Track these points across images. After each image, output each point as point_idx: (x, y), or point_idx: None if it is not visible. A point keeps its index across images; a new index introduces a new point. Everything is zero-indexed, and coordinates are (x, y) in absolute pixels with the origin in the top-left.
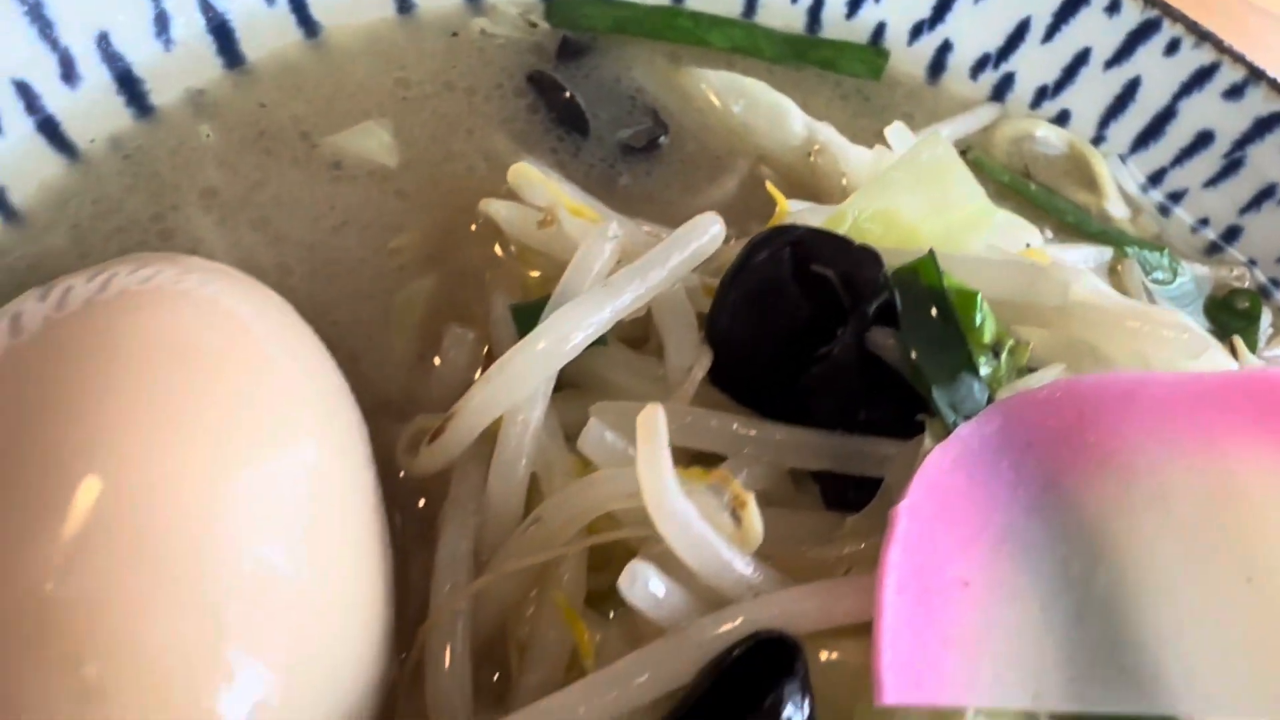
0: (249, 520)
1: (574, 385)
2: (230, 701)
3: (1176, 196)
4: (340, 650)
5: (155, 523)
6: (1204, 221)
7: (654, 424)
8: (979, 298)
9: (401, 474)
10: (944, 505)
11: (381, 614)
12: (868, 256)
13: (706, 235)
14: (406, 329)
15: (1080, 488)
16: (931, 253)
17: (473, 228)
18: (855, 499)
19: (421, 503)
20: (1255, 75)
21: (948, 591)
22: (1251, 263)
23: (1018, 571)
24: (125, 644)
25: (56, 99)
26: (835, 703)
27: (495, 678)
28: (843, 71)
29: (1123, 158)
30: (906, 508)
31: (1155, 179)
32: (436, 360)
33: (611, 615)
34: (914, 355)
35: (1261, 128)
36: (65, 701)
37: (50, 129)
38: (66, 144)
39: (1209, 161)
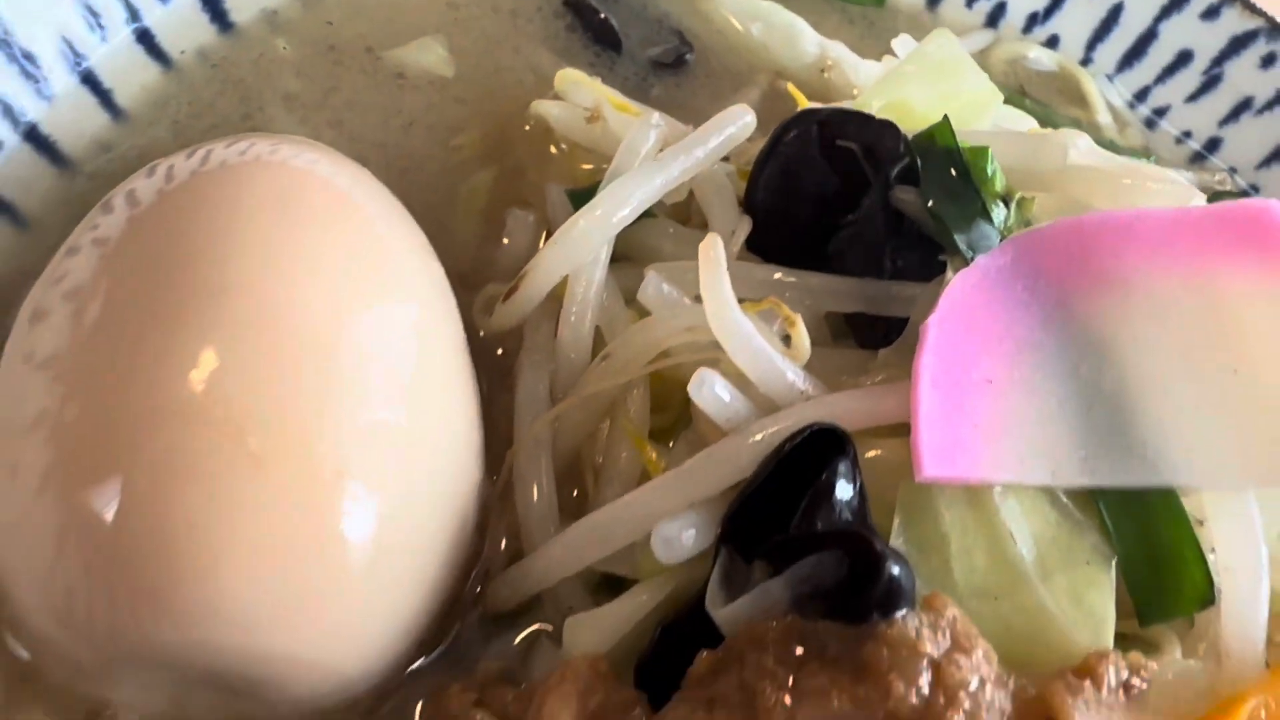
0: (368, 348)
1: (628, 258)
2: (361, 483)
3: (1160, 112)
4: (443, 467)
5: (291, 339)
6: (1187, 134)
7: (714, 250)
8: (989, 151)
9: (481, 334)
10: (967, 319)
11: (474, 442)
12: (888, 129)
13: (740, 122)
14: (472, 214)
15: (1086, 305)
16: (946, 118)
17: (526, 128)
18: (886, 338)
19: (499, 351)
20: None
21: (974, 388)
22: (1232, 170)
23: (1034, 372)
24: (278, 425)
25: (152, 13)
26: (880, 493)
27: (575, 494)
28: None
29: (1109, 78)
30: (935, 320)
31: (1140, 96)
32: (505, 241)
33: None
34: (931, 205)
35: (1237, 45)
36: (235, 466)
37: (148, 40)
38: (161, 53)
39: (1189, 79)
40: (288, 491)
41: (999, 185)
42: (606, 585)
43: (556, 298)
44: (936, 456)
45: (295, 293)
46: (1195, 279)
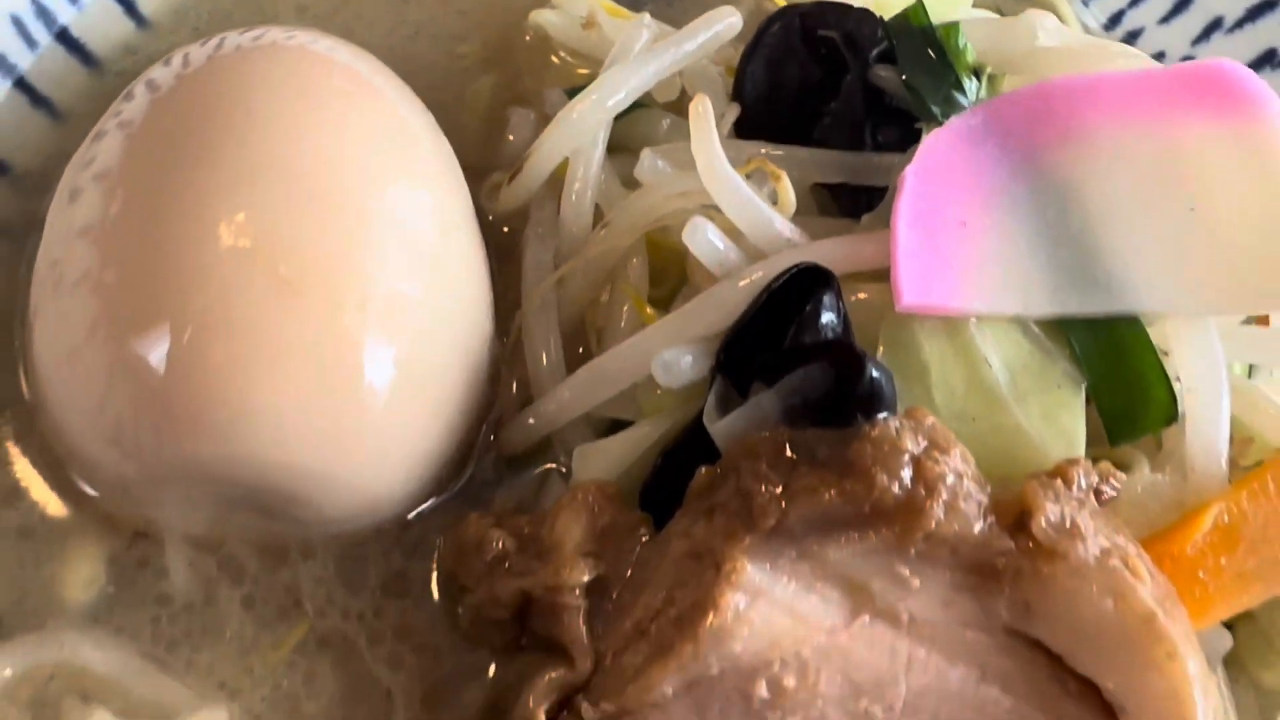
0: (388, 203)
1: (625, 149)
2: (384, 316)
3: (1135, 34)
4: (456, 317)
5: (316, 188)
6: (1160, 55)
7: (703, 110)
8: (960, 26)
9: (490, 218)
10: (941, 172)
11: (484, 302)
12: (865, 16)
13: (726, 21)
14: (477, 113)
15: (1052, 157)
16: (919, 1)
17: (526, 38)
18: (869, 206)
19: (505, 229)
20: None
21: (948, 230)
22: None
23: (1004, 216)
24: (307, 257)
25: None
26: (865, 332)
27: (580, 352)
28: None
29: (1085, 2)
30: (912, 171)
31: (1114, 20)
32: (509, 137)
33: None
34: (907, 79)
35: None
36: (266, 292)
37: None
38: None
39: (1161, 1)
40: (316, 316)
41: (970, 58)
42: (612, 430)
43: (558, 180)
44: (914, 287)
45: (319, 155)
46: (1155, 131)
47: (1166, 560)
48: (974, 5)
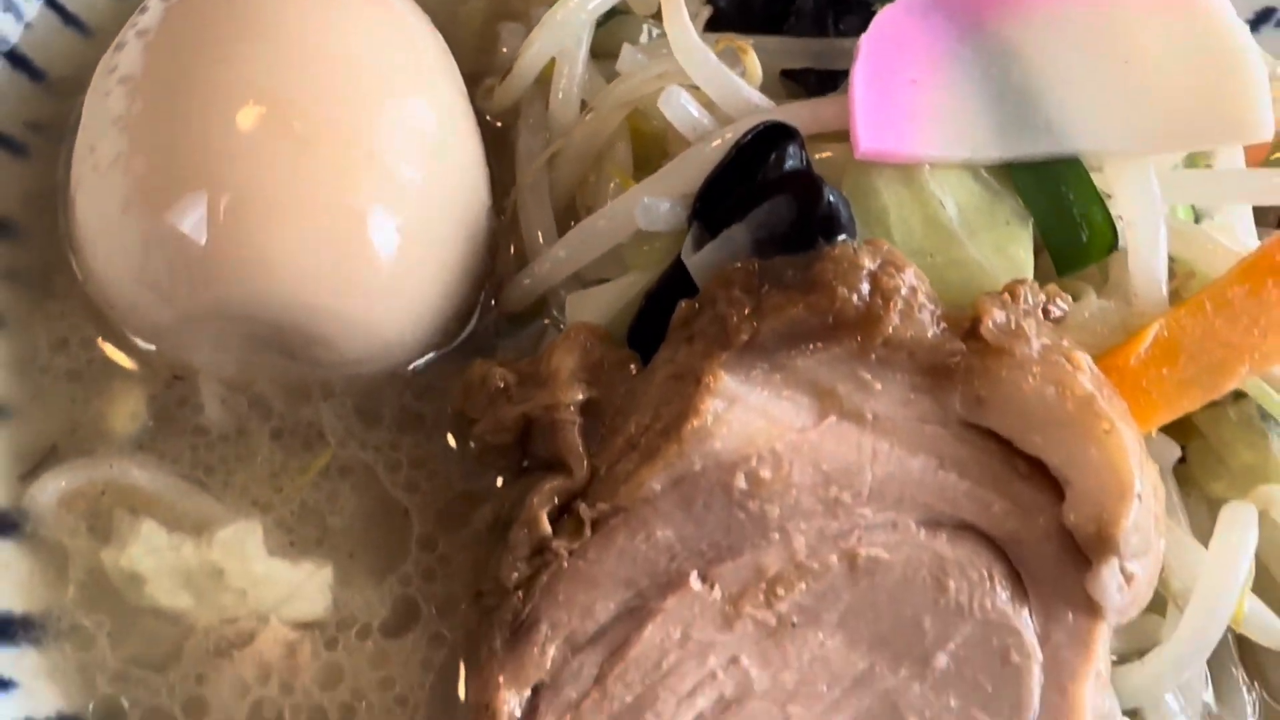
0: (393, 81)
1: (609, 55)
2: (390, 169)
3: None
4: (456, 184)
5: (327, 63)
6: None
7: None
8: None
9: (488, 117)
10: (895, 39)
11: (480, 179)
12: None
13: None
14: (472, 28)
15: (996, 23)
16: None
17: None
18: (834, 85)
19: (499, 124)
20: None
21: (902, 87)
22: None
23: (952, 74)
24: (321, 118)
25: None
26: (830, 182)
27: (572, 224)
28: None
29: None
30: (867, 37)
31: None
32: (502, 49)
33: None
34: None
35: None
36: (280, 146)
37: None
38: None
39: None
40: (328, 171)
41: None
42: None
43: (546, 80)
44: (871, 135)
45: (331, 44)
46: (1092, 4)
47: (1113, 373)
48: None
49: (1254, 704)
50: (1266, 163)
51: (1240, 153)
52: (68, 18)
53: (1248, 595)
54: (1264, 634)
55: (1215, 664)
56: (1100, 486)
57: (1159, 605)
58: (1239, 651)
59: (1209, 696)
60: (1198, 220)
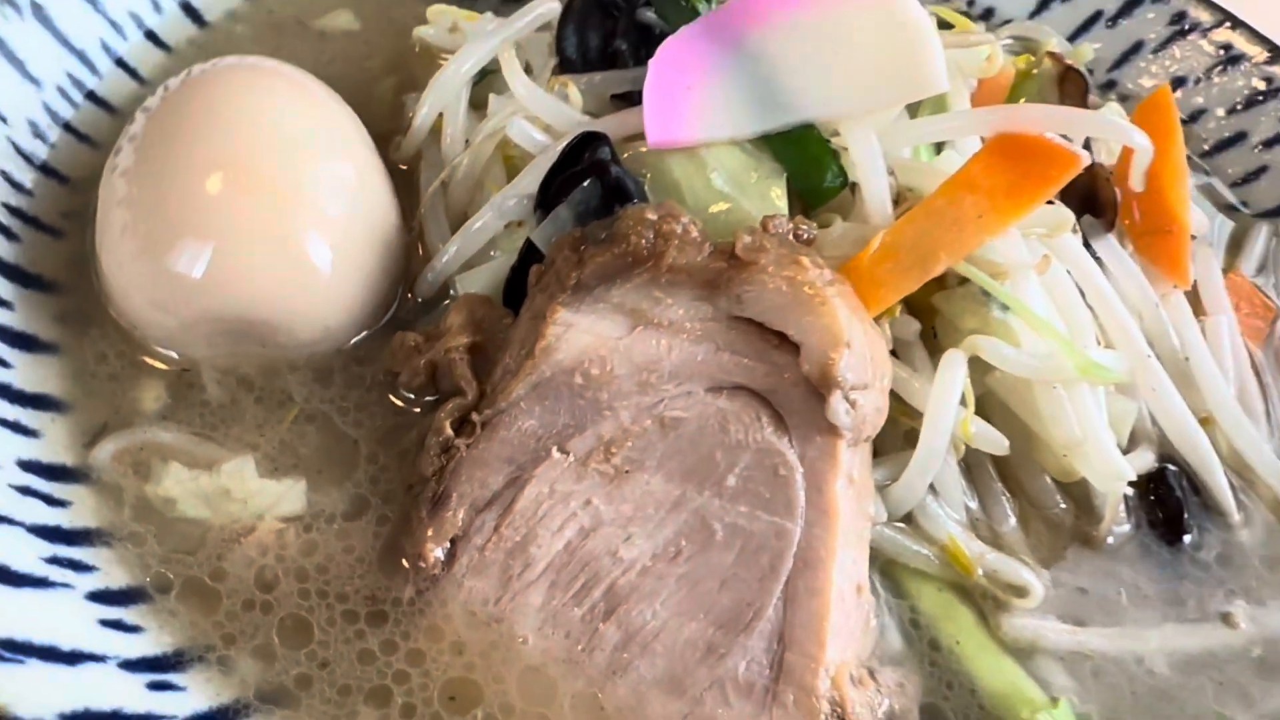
0: (327, 171)
1: (483, 103)
2: (320, 206)
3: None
4: (372, 209)
5: (268, 140)
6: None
7: (509, 56)
8: None
9: (398, 165)
10: (674, 58)
11: (391, 207)
12: None
13: (547, 7)
14: (385, 102)
15: (750, 36)
16: None
17: (416, 49)
18: None
19: (404, 169)
20: None
21: (681, 94)
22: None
23: (718, 78)
24: (267, 175)
25: (153, 19)
26: (639, 169)
27: None
28: None
29: None
30: (654, 61)
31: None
32: (409, 114)
33: None
34: (659, 13)
35: None
36: (242, 201)
37: (154, 38)
38: (163, 43)
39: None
40: (274, 210)
41: None
42: None
43: (438, 131)
44: (658, 129)
45: (267, 122)
46: (814, 5)
47: (853, 273)
48: None
49: (1014, 509)
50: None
51: (965, 97)
52: (80, 137)
53: (973, 418)
54: (989, 444)
55: (979, 481)
56: (819, 342)
57: (914, 441)
58: (998, 471)
59: (973, 504)
60: (939, 151)
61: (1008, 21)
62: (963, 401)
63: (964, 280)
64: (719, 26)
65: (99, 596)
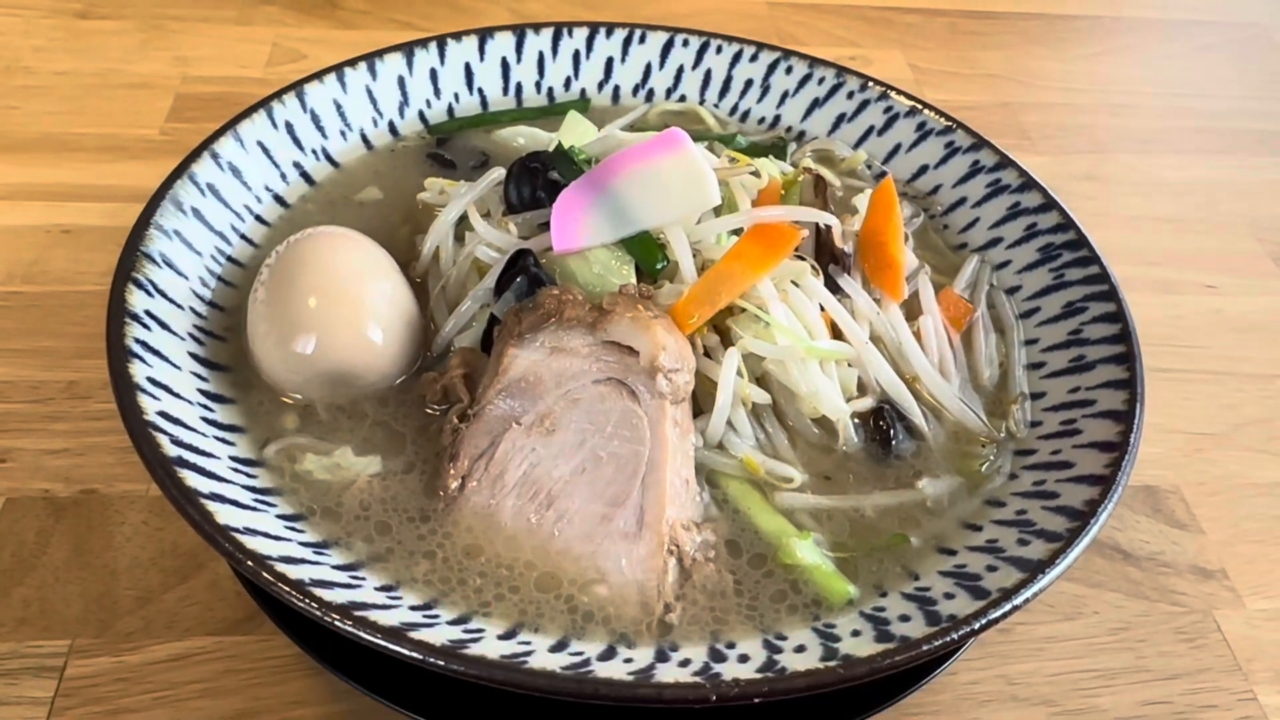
0: (373, 280)
1: (466, 232)
2: (373, 308)
3: (745, 115)
4: (401, 312)
5: (346, 278)
6: (761, 120)
7: (474, 211)
8: (575, 147)
9: (416, 279)
10: (567, 201)
11: (413, 308)
12: (556, 153)
13: (498, 173)
14: (403, 242)
15: (612, 182)
16: (560, 143)
17: (420, 207)
18: None
19: (419, 281)
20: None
21: (570, 220)
22: (789, 129)
23: (591, 210)
24: (343, 292)
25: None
26: (553, 268)
27: None
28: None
29: (715, 106)
30: (555, 205)
31: (732, 112)
32: (419, 248)
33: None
34: (559, 173)
35: (773, 67)
36: (331, 307)
37: (280, 200)
38: (284, 201)
39: (753, 92)
40: (349, 309)
41: (583, 156)
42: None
43: (437, 257)
44: (560, 241)
45: (343, 264)
46: (646, 161)
47: (674, 312)
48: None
49: (787, 436)
50: (785, 199)
51: (747, 201)
52: (227, 283)
53: (750, 384)
54: (760, 398)
55: (764, 420)
56: (650, 348)
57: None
58: (775, 414)
59: (761, 436)
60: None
61: (815, 139)
62: (740, 374)
63: (742, 309)
64: (594, 178)
65: (281, 516)
